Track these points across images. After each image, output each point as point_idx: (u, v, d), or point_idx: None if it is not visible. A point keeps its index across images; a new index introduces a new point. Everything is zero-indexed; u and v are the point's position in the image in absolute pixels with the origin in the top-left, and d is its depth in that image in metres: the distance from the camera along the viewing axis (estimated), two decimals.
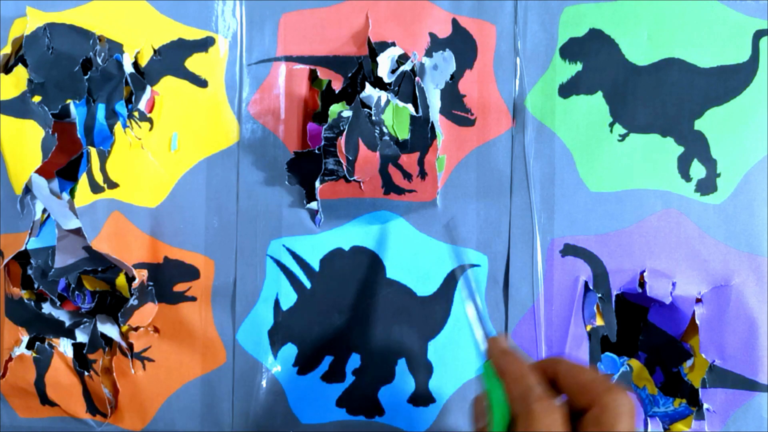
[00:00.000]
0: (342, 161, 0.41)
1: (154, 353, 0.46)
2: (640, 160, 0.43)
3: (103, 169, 0.43)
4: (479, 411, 0.32)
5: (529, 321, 0.44)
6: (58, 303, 0.46)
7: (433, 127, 0.41)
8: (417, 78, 0.42)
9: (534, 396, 0.29)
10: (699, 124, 0.43)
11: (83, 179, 0.42)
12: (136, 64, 0.44)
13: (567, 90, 0.43)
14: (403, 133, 0.42)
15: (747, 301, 0.42)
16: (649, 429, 0.43)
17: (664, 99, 0.43)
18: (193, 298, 0.45)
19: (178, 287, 0.45)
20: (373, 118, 0.41)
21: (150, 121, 0.44)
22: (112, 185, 0.44)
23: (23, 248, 0.44)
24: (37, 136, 0.42)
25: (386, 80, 0.42)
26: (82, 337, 0.45)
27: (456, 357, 0.44)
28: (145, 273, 0.44)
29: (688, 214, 0.43)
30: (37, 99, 0.43)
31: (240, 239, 0.45)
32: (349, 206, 0.44)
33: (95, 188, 0.43)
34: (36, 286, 0.45)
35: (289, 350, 0.45)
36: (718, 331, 0.42)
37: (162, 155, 0.45)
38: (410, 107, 0.42)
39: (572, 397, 0.29)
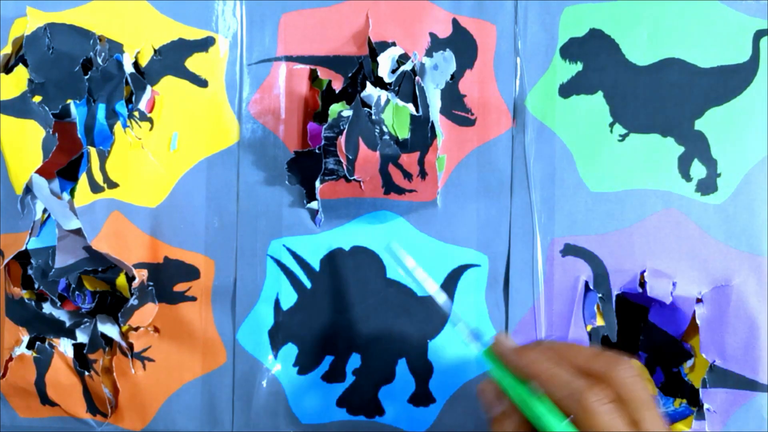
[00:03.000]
0: (342, 161, 0.41)
1: (154, 353, 0.46)
2: (641, 160, 0.43)
3: (102, 169, 0.43)
4: (490, 398, 0.33)
5: (529, 321, 0.44)
6: (59, 303, 0.46)
7: (433, 127, 0.41)
8: (417, 78, 0.42)
9: (585, 396, 0.29)
10: (699, 124, 0.43)
11: (83, 179, 0.42)
12: (136, 64, 0.44)
13: (567, 90, 0.43)
14: (404, 133, 0.42)
15: (747, 301, 0.42)
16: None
17: (665, 99, 0.43)
18: (194, 298, 0.45)
19: (178, 287, 0.45)
20: (373, 117, 0.41)
21: (150, 120, 0.44)
22: (112, 185, 0.44)
23: (23, 248, 0.44)
24: (37, 136, 0.42)
25: (387, 80, 0.42)
26: (82, 337, 0.45)
27: (456, 356, 0.44)
28: (145, 273, 0.44)
29: (689, 214, 0.43)
30: (37, 99, 0.43)
31: (240, 239, 0.45)
32: (350, 206, 0.44)
33: (95, 188, 0.43)
34: (36, 286, 0.45)
35: (290, 350, 0.45)
36: (718, 331, 0.42)
37: (162, 155, 0.45)
38: (410, 107, 0.42)
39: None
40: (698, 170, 0.43)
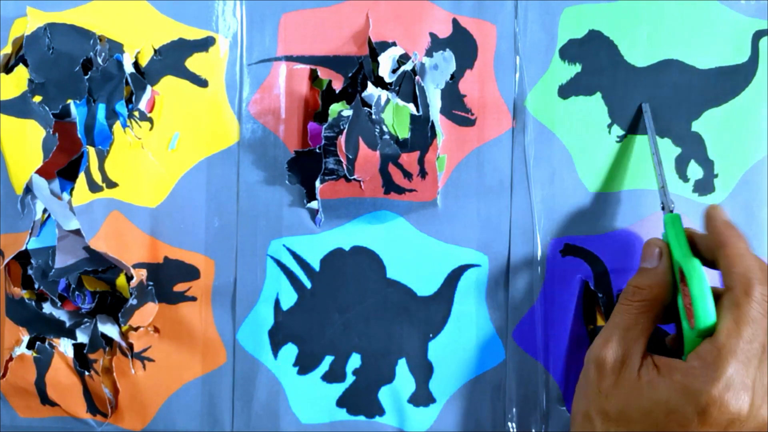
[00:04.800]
0: (342, 160, 0.41)
1: (154, 353, 0.46)
2: (639, 161, 0.43)
3: (101, 169, 0.43)
4: (653, 252, 0.37)
5: (530, 321, 0.44)
6: (59, 303, 0.46)
7: (433, 127, 0.42)
8: (417, 77, 0.42)
9: (758, 278, 0.33)
10: (696, 126, 0.43)
11: (81, 178, 0.42)
12: (136, 64, 0.44)
13: (566, 91, 0.44)
14: (404, 132, 0.42)
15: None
16: None
17: (663, 100, 0.43)
18: (194, 298, 0.45)
19: (178, 287, 0.45)
20: (374, 117, 0.41)
21: (150, 120, 0.44)
22: (111, 185, 0.44)
23: (23, 248, 0.44)
24: (37, 136, 0.42)
25: (387, 80, 0.42)
26: (82, 337, 0.45)
27: (456, 357, 0.45)
28: (144, 273, 0.44)
29: (687, 214, 0.43)
30: (37, 99, 0.43)
31: (240, 239, 0.45)
32: (350, 206, 0.44)
33: (93, 187, 0.43)
34: (36, 286, 0.45)
35: (290, 350, 0.45)
36: None
37: (162, 155, 0.45)
38: (411, 107, 0.42)
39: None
40: (695, 171, 0.43)
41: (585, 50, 0.43)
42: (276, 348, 0.45)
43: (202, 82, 0.45)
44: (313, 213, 0.45)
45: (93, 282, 0.46)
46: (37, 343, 0.45)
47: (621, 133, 0.43)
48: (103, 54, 0.43)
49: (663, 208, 0.39)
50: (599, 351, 0.36)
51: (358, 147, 0.41)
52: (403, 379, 0.45)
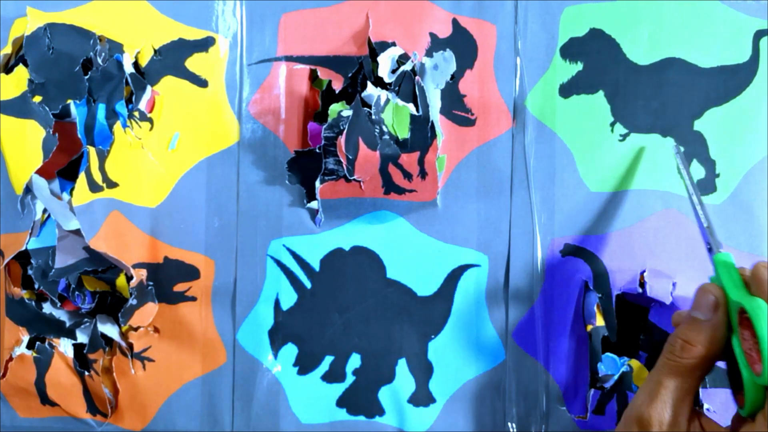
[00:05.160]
0: (342, 161, 0.41)
1: (154, 353, 0.46)
2: (641, 161, 0.43)
3: (102, 169, 0.43)
4: (707, 301, 0.33)
5: (530, 321, 0.44)
6: (59, 303, 0.46)
7: (433, 127, 0.42)
8: (417, 77, 0.42)
9: None
10: (698, 125, 0.43)
11: (82, 178, 0.42)
12: (136, 64, 0.44)
13: (567, 90, 0.43)
14: (403, 133, 0.42)
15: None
16: None
17: (665, 99, 0.43)
18: (194, 298, 0.45)
19: (178, 287, 0.45)
20: (373, 117, 0.41)
21: (150, 120, 0.44)
22: (112, 185, 0.44)
23: (23, 248, 0.44)
24: (37, 136, 0.42)
25: (387, 80, 0.42)
26: (82, 337, 0.45)
27: (456, 357, 0.45)
28: (144, 272, 0.44)
29: (689, 214, 0.43)
30: (37, 99, 0.43)
31: (240, 239, 0.45)
32: (350, 206, 0.44)
33: (94, 187, 0.43)
34: (36, 286, 0.45)
35: (290, 350, 0.45)
36: None
37: (162, 155, 0.45)
38: (411, 106, 0.42)
39: None
40: (697, 170, 0.43)
41: (586, 49, 0.43)
42: (276, 348, 0.45)
43: (202, 82, 0.45)
44: (313, 213, 0.44)
45: (93, 282, 0.46)
46: (37, 343, 0.46)
47: (624, 131, 0.43)
48: (103, 54, 0.44)
49: (710, 250, 0.35)
50: (644, 410, 0.33)
51: (358, 147, 0.41)
52: (403, 379, 0.45)
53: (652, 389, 0.33)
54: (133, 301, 0.44)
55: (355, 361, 0.45)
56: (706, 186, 0.43)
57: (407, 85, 0.42)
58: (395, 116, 0.42)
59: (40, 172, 0.43)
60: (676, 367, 0.33)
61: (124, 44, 0.44)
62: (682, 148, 0.42)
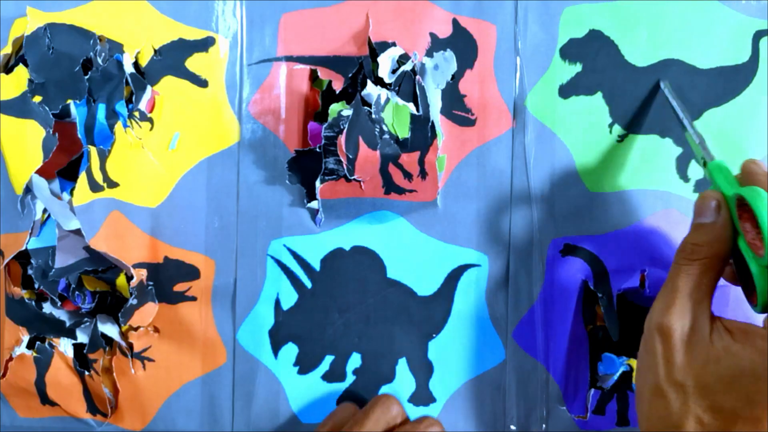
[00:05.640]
0: (342, 160, 0.41)
1: (154, 353, 0.46)
2: (640, 161, 0.43)
3: (102, 169, 0.43)
4: (709, 205, 0.34)
5: (530, 321, 0.44)
6: (59, 303, 0.46)
7: (433, 127, 0.42)
8: (417, 77, 0.42)
9: None
10: (697, 126, 0.43)
11: (82, 178, 0.42)
12: (136, 64, 0.44)
13: (567, 91, 0.44)
14: (404, 132, 0.42)
15: (746, 301, 0.42)
16: None
17: (663, 100, 0.43)
18: (194, 298, 0.45)
19: (179, 287, 0.45)
20: (373, 116, 0.41)
21: (150, 120, 0.44)
22: (112, 184, 0.44)
23: (24, 248, 0.44)
24: (37, 136, 0.42)
25: (387, 80, 0.42)
26: (82, 336, 0.45)
27: (456, 357, 0.45)
28: (144, 272, 0.44)
29: (688, 214, 0.43)
30: (37, 99, 0.43)
31: (240, 239, 0.45)
32: (350, 206, 0.44)
33: (94, 187, 0.43)
34: (36, 285, 0.45)
35: (290, 350, 0.45)
36: None
37: (162, 155, 0.45)
38: (411, 106, 0.42)
39: None
40: (696, 171, 0.43)
41: (585, 50, 0.43)
42: (276, 348, 0.45)
43: (202, 83, 0.45)
44: (314, 213, 0.45)
45: (93, 282, 0.46)
46: (37, 342, 0.45)
47: (622, 132, 0.43)
48: (103, 54, 0.43)
49: (704, 164, 0.37)
50: (662, 318, 0.33)
51: (358, 147, 0.41)
52: (404, 379, 0.45)
53: (669, 297, 0.33)
54: (133, 301, 0.44)
55: (355, 361, 0.45)
56: (705, 186, 0.43)
57: (407, 85, 0.42)
58: (395, 116, 0.42)
59: (40, 172, 0.43)
60: (688, 271, 0.33)
61: (124, 44, 0.44)
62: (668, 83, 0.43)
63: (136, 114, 0.44)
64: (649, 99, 0.43)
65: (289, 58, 0.44)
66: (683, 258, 0.34)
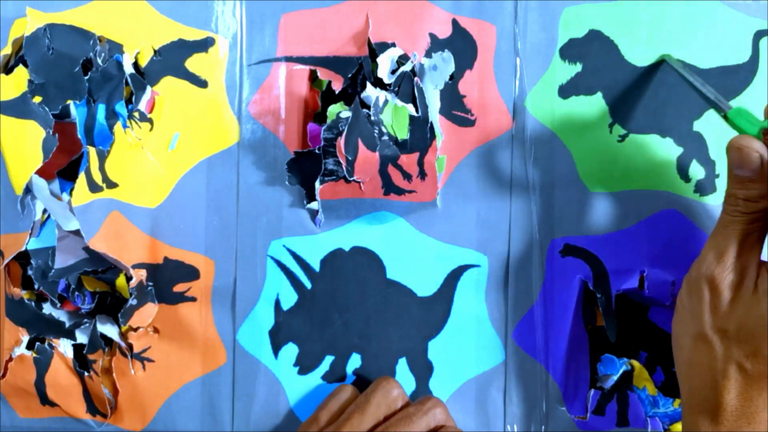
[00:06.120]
0: (342, 161, 0.41)
1: (153, 353, 0.46)
2: (640, 161, 0.43)
3: (102, 169, 0.43)
4: (748, 156, 0.33)
5: (529, 321, 0.44)
6: (58, 303, 0.46)
7: (432, 128, 0.42)
8: (416, 78, 0.42)
9: None
10: (698, 125, 0.43)
11: (81, 178, 0.42)
12: (136, 65, 0.44)
13: (567, 91, 0.43)
14: (403, 133, 0.42)
15: None
16: (649, 429, 0.43)
17: (664, 100, 0.43)
18: (193, 299, 0.45)
19: (178, 287, 0.45)
20: (372, 118, 0.41)
21: (150, 121, 0.44)
22: (111, 185, 0.44)
23: (23, 248, 0.44)
24: (37, 137, 0.42)
25: (386, 81, 0.42)
26: (82, 337, 0.45)
27: (456, 356, 0.45)
28: (143, 273, 0.44)
29: (688, 215, 0.43)
30: (37, 99, 0.43)
31: (240, 239, 0.45)
32: (350, 207, 0.44)
33: (93, 188, 0.43)
34: (36, 286, 0.45)
35: (290, 350, 0.45)
36: None
37: (162, 155, 0.45)
38: (410, 107, 0.42)
39: None
40: (697, 171, 0.43)
41: (585, 50, 0.43)
42: (276, 348, 0.45)
43: (201, 83, 0.45)
44: (313, 213, 0.45)
45: (93, 282, 0.46)
46: (37, 343, 0.46)
47: (622, 132, 0.43)
48: (103, 54, 0.43)
49: (725, 117, 0.37)
50: (712, 268, 0.33)
51: (357, 148, 0.41)
52: (404, 378, 0.45)
53: (719, 246, 0.34)
54: (132, 302, 0.44)
55: (355, 361, 0.45)
56: (706, 186, 0.43)
57: (407, 86, 0.42)
58: (394, 117, 0.42)
59: (39, 172, 0.43)
60: (741, 220, 0.33)
61: (123, 45, 0.44)
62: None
63: (136, 114, 0.44)
64: (650, 99, 0.43)
65: (288, 59, 0.44)
66: (731, 209, 0.34)
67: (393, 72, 0.43)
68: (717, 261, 0.34)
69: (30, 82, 0.43)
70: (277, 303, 0.45)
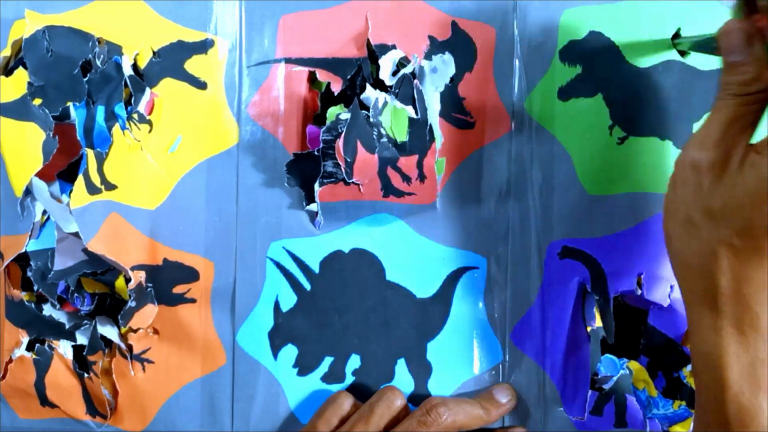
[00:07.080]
0: (341, 163, 0.41)
1: (153, 355, 0.46)
2: (639, 164, 0.43)
3: (100, 171, 0.43)
4: (737, 41, 0.32)
5: (528, 323, 0.44)
6: (58, 305, 0.46)
7: (431, 130, 0.42)
8: (416, 81, 0.42)
9: None
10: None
11: (80, 180, 0.42)
12: (135, 66, 0.44)
13: (566, 93, 0.43)
14: (402, 136, 0.42)
15: None
16: (648, 430, 0.43)
17: (664, 102, 0.43)
18: (193, 300, 0.45)
19: (178, 289, 0.45)
20: (371, 120, 0.41)
21: (149, 123, 0.44)
22: (110, 187, 0.44)
23: (23, 250, 0.44)
24: (37, 139, 0.42)
25: (387, 83, 0.42)
26: (81, 338, 0.45)
27: (455, 358, 0.45)
28: (143, 274, 0.44)
29: None
30: (37, 102, 0.43)
31: (240, 241, 0.45)
32: (349, 209, 0.44)
33: (92, 189, 0.43)
34: (36, 288, 0.45)
35: (289, 351, 0.45)
36: None
37: (161, 157, 0.45)
38: (409, 110, 0.42)
39: None
40: None
41: (585, 52, 0.43)
42: (276, 349, 0.45)
43: (201, 84, 0.45)
44: (313, 215, 0.45)
45: (92, 284, 0.46)
46: (37, 344, 0.46)
47: (622, 134, 0.43)
48: (102, 56, 0.43)
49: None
50: (695, 151, 0.33)
51: (356, 150, 0.41)
52: (403, 380, 0.45)
53: (703, 131, 0.33)
54: (132, 303, 0.44)
55: (354, 362, 0.45)
56: None
57: (407, 88, 0.42)
58: (393, 119, 0.42)
59: (40, 174, 0.43)
60: (725, 105, 0.33)
61: (122, 46, 0.44)
62: None
63: (135, 116, 0.44)
64: (650, 101, 0.43)
65: (288, 60, 0.44)
66: (723, 94, 0.33)
67: (394, 74, 0.43)
68: (701, 143, 0.33)
69: (30, 84, 0.43)
70: (277, 304, 0.45)
